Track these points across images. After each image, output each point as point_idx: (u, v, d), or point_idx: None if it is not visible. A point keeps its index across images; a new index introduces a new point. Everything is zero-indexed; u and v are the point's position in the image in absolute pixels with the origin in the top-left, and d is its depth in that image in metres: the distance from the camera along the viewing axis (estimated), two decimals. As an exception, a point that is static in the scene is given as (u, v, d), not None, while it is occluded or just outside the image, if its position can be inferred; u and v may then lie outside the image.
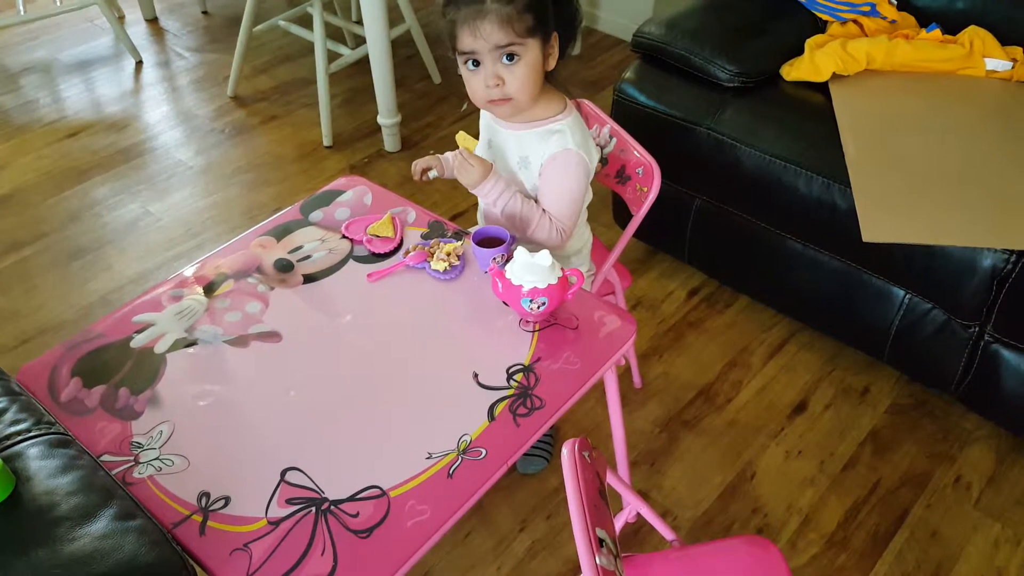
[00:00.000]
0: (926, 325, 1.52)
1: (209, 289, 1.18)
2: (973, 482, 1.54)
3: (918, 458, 1.58)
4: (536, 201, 1.23)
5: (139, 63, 2.85)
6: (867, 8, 1.80)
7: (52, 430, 0.93)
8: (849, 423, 1.64)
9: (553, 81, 1.21)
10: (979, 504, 1.50)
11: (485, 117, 1.31)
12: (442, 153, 1.34)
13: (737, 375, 1.74)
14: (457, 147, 1.22)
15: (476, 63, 1.13)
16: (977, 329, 1.46)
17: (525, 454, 1.49)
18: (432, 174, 1.31)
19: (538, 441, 1.43)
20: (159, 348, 1.09)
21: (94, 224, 2.16)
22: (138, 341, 1.10)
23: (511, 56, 1.11)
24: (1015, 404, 1.48)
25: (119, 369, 1.06)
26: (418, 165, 1.31)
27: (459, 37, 1.11)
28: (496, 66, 1.12)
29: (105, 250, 2.08)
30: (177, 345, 1.10)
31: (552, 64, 1.17)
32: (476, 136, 1.31)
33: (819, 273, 1.62)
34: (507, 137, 1.25)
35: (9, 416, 0.93)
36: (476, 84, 1.15)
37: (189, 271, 1.21)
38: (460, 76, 1.19)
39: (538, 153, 1.21)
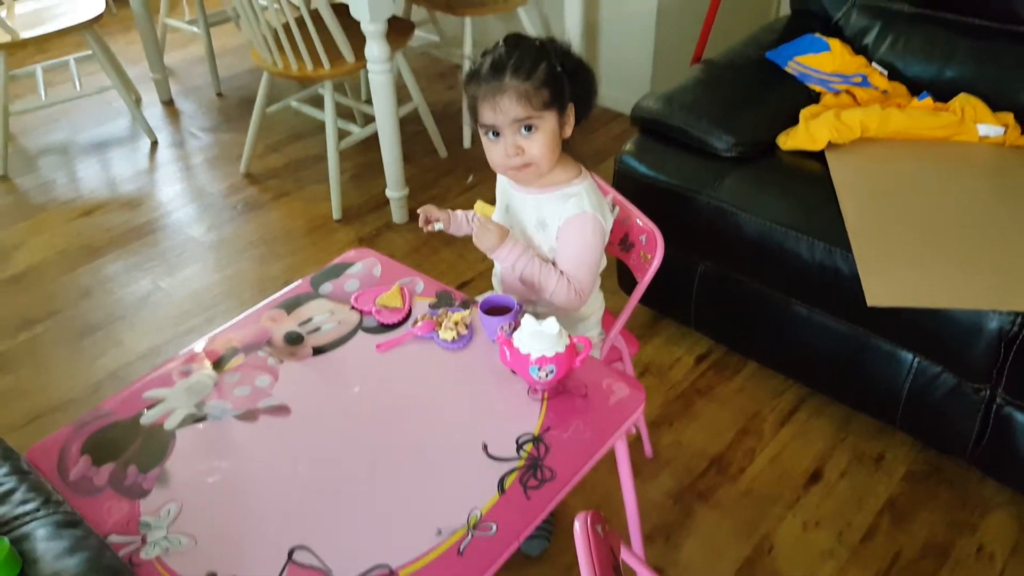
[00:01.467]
0: (937, 388, 1.50)
1: (219, 364, 1.18)
2: (996, 552, 1.49)
3: (938, 527, 1.54)
4: (553, 264, 1.26)
5: (154, 143, 2.94)
6: (859, 79, 1.86)
7: (60, 510, 0.92)
8: (865, 491, 1.61)
9: (568, 149, 1.26)
10: (1004, 575, 1.45)
11: (501, 183, 1.35)
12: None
13: (749, 443, 1.72)
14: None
15: (496, 134, 1.19)
16: (988, 392, 1.45)
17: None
18: (438, 226, 1.34)
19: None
20: (168, 424, 1.09)
21: (106, 300, 2.18)
22: (148, 418, 1.10)
23: (529, 128, 1.17)
24: (1034, 468, 1.46)
25: (128, 447, 1.06)
26: (425, 213, 1.33)
27: (480, 111, 1.19)
28: (515, 137, 1.18)
29: (116, 326, 2.09)
30: (186, 421, 1.10)
31: (568, 132, 1.23)
32: (492, 203, 1.35)
33: (826, 337, 1.62)
34: (524, 201, 1.29)
35: (18, 496, 0.92)
36: (496, 153, 1.21)
37: (199, 346, 1.22)
38: (466, 151, 1.23)
39: (556, 215, 1.25)
